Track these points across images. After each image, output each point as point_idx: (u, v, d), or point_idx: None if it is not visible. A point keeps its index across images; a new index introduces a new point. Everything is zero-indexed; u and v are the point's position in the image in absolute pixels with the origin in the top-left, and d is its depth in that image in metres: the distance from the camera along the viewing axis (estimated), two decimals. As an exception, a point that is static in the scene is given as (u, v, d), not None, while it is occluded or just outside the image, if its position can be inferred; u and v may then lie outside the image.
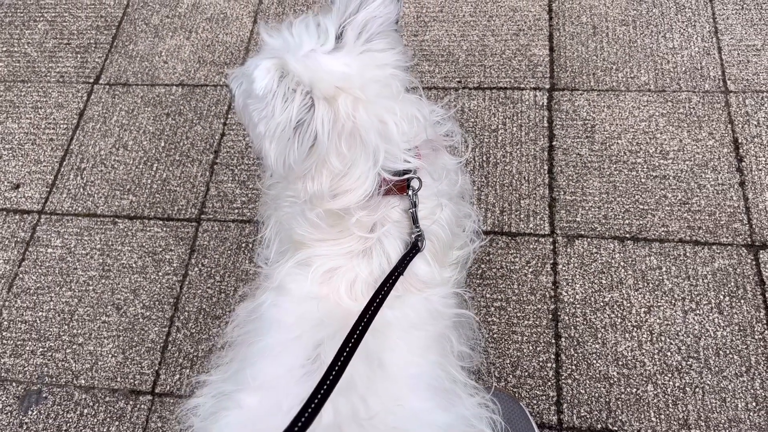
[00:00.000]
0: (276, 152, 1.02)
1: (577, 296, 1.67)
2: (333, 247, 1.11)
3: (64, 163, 2.07)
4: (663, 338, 1.59)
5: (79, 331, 1.77)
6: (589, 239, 1.74)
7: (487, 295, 1.70)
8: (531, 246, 1.75)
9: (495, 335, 1.64)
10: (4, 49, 2.35)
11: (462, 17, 2.19)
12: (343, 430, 0.92)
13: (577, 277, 1.70)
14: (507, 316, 1.66)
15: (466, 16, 2.19)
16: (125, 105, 2.16)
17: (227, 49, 2.23)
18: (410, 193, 1.10)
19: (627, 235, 1.74)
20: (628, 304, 1.64)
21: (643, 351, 1.58)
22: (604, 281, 1.68)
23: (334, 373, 0.87)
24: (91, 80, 2.23)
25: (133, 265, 1.86)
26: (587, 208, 1.79)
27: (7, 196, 2.03)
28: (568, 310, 1.65)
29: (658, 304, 1.64)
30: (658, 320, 1.61)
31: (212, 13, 2.34)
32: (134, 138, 2.09)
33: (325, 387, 0.85)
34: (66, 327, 1.78)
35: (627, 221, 1.76)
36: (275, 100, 0.96)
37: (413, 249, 1.09)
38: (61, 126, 2.15)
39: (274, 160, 1.03)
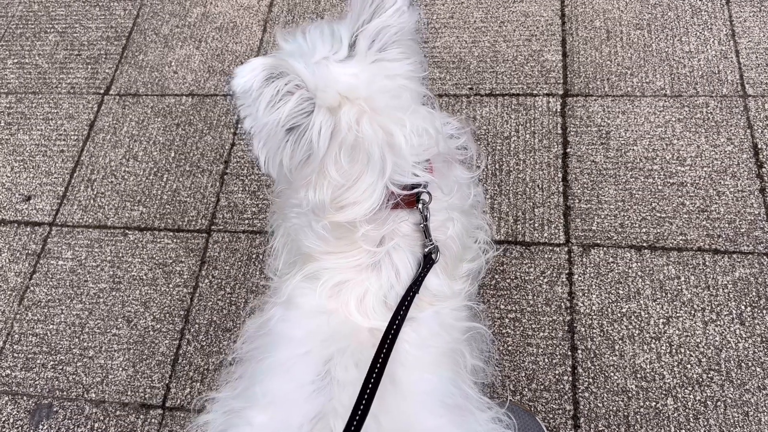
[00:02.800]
0: (266, 153, 1.00)
1: (594, 307, 1.63)
2: (341, 260, 1.08)
3: (75, 174, 2.06)
4: (682, 350, 1.55)
5: (89, 344, 1.76)
6: (605, 248, 1.71)
7: (501, 306, 1.66)
8: (546, 255, 1.72)
9: (510, 347, 1.61)
10: (16, 60, 2.36)
11: (473, 23, 2.16)
12: None
13: (594, 287, 1.66)
14: (522, 328, 1.63)
15: (477, 22, 2.16)
16: (135, 115, 2.16)
17: (237, 58, 2.22)
18: (420, 206, 1.07)
19: (644, 244, 1.70)
20: (646, 315, 1.60)
21: (662, 363, 1.54)
22: (621, 291, 1.64)
23: (365, 400, 0.88)
24: (102, 91, 2.23)
25: (144, 277, 1.84)
26: (603, 216, 1.75)
27: (19, 208, 2.03)
28: (584, 321, 1.62)
29: (677, 314, 1.60)
30: (677, 331, 1.57)
31: (222, 22, 2.33)
32: (144, 149, 2.08)
33: (359, 413, 0.87)
34: (77, 340, 1.77)
35: (644, 229, 1.72)
36: (259, 100, 0.94)
37: (428, 263, 1.07)
38: (72, 137, 2.14)
39: (264, 160, 1.01)
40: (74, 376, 1.72)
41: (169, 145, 2.08)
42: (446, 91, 2.03)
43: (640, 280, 1.65)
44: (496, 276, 1.71)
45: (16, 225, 2.00)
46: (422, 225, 1.08)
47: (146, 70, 2.26)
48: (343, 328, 1.04)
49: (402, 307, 1.00)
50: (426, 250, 1.07)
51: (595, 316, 1.62)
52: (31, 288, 1.87)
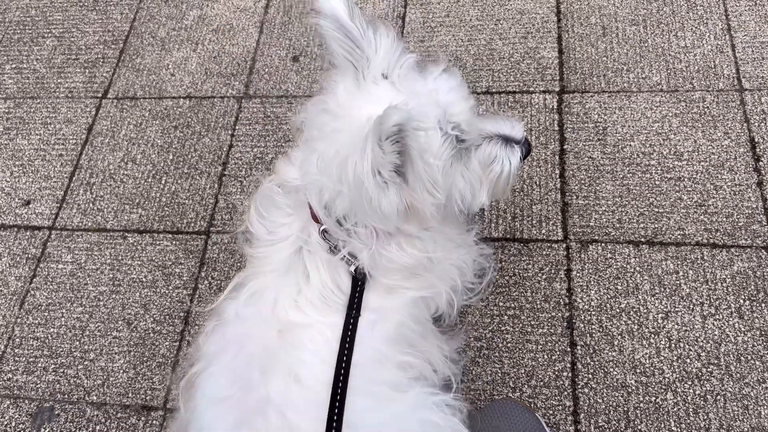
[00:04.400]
0: None
1: (593, 303, 1.64)
2: (260, 268, 1.23)
3: (74, 178, 2.07)
4: (682, 345, 1.55)
5: (90, 347, 1.77)
6: (603, 244, 1.71)
7: (500, 304, 1.67)
8: (544, 252, 1.72)
9: (509, 344, 1.61)
10: (14, 66, 2.37)
11: (469, 21, 2.16)
12: None
13: (592, 283, 1.66)
14: (521, 325, 1.63)
15: (473, 20, 2.17)
16: (133, 119, 2.16)
17: (233, 60, 2.23)
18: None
19: (642, 239, 1.70)
20: (645, 310, 1.61)
21: (662, 358, 1.54)
22: (619, 287, 1.65)
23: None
24: (100, 95, 2.24)
25: (143, 279, 1.85)
26: (601, 212, 1.76)
27: (18, 213, 2.03)
28: (583, 317, 1.62)
29: (676, 309, 1.60)
30: (676, 326, 1.58)
31: (218, 24, 2.33)
32: (143, 151, 2.09)
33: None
34: (77, 343, 1.78)
35: (642, 225, 1.72)
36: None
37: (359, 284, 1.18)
38: (71, 141, 2.15)
39: None
40: (75, 379, 1.73)
41: (167, 147, 2.08)
42: (443, 90, 2.03)
43: (639, 275, 1.65)
44: (495, 273, 1.71)
45: (15, 229, 2.00)
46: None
47: (143, 73, 2.27)
48: (259, 333, 1.15)
49: (347, 333, 1.11)
50: (352, 268, 1.18)
51: (594, 312, 1.62)
52: (32, 292, 1.88)
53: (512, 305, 1.66)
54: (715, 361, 1.53)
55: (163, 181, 2.02)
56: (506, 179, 1.23)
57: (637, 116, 1.89)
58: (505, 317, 1.65)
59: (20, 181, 2.10)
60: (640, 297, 1.62)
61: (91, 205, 2.01)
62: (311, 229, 1.20)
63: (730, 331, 1.55)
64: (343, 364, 1.08)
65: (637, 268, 1.66)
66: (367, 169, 0.97)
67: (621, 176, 1.80)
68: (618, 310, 1.62)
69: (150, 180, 2.03)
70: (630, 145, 1.85)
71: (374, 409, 1.10)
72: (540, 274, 1.69)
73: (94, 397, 1.69)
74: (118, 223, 1.96)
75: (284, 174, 1.30)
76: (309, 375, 1.09)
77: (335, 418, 1.02)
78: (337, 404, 1.03)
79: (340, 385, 1.06)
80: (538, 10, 2.15)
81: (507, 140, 1.22)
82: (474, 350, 1.62)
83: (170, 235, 1.91)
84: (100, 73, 2.29)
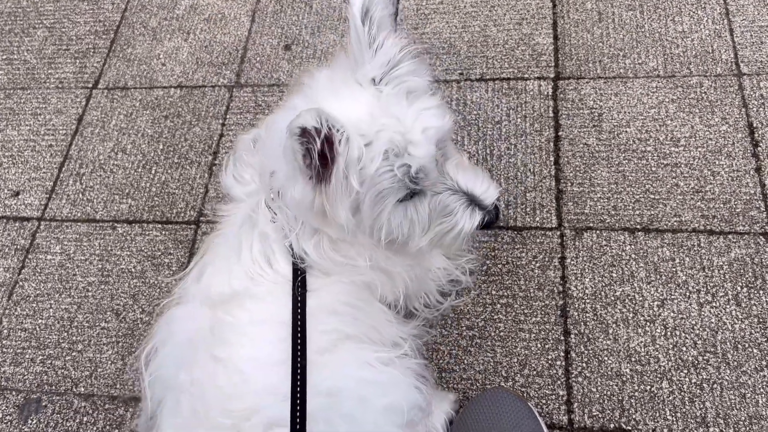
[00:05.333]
0: None
1: (587, 291, 1.60)
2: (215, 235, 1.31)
3: (63, 168, 2.05)
4: (678, 333, 1.52)
5: (78, 338, 1.74)
6: (598, 231, 1.68)
7: (493, 292, 1.64)
8: (538, 240, 1.69)
9: (501, 333, 1.58)
10: (4, 57, 2.35)
11: (463, 8, 2.13)
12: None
13: (587, 271, 1.63)
14: (514, 313, 1.60)
15: (467, 6, 2.13)
16: (124, 109, 2.14)
17: (225, 49, 2.20)
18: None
19: (638, 226, 1.67)
20: (641, 298, 1.57)
21: (657, 346, 1.51)
22: (614, 275, 1.61)
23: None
24: (90, 85, 2.21)
25: (132, 270, 1.83)
26: (596, 199, 1.72)
27: (8, 204, 2.01)
28: (577, 305, 1.59)
29: (672, 297, 1.56)
30: (672, 314, 1.54)
31: (210, 13, 2.31)
32: (133, 141, 2.06)
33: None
34: (65, 334, 1.76)
35: (638, 212, 1.69)
36: None
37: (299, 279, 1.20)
38: (60, 132, 2.13)
39: None
40: (63, 371, 1.70)
41: (157, 137, 2.06)
42: (436, 77, 2.00)
43: (634, 262, 1.62)
44: (488, 261, 1.68)
45: (4, 221, 1.98)
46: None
47: (134, 63, 2.24)
48: (199, 314, 1.19)
49: (297, 341, 1.13)
50: (287, 243, 1.19)
51: (588, 300, 1.59)
52: (20, 283, 1.86)
53: (505, 294, 1.63)
54: (712, 350, 1.49)
55: (153, 171, 1.99)
56: (454, 238, 1.18)
57: (633, 102, 1.85)
58: (498, 306, 1.62)
59: (9, 172, 2.08)
60: (635, 285, 1.59)
61: (80, 195, 1.99)
62: (263, 195, 1.21)
63: (727, 319, 1.52)
64: (298, 341, 1.13)
65: (633, 256, 1.63)
66: (286, 152, 0.98)
67: (617, 163, 1.77)
68: (613, 298, 1.59)
69: (140, 170, 2.00)
70: (626, 131, 1.81)
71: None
72: (533, 262, 1.66)
73: (82, 389, 1.67)
74: (108, 213, 1.94)
75: (263, 128, 1.30)
76: (233, 355, 1.12)
77: (298, 408, 1.05)
78: (298, 394, 1.07)
79: (299, 370, 1.09)
80: (533, -4, 2.11)
81: (473, 201, 1.16)
82: (466, 339, 1.59)
83: (160, 225, 1.89)
84: (90, 64, 2.27)
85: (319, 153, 0.96)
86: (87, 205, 1.96)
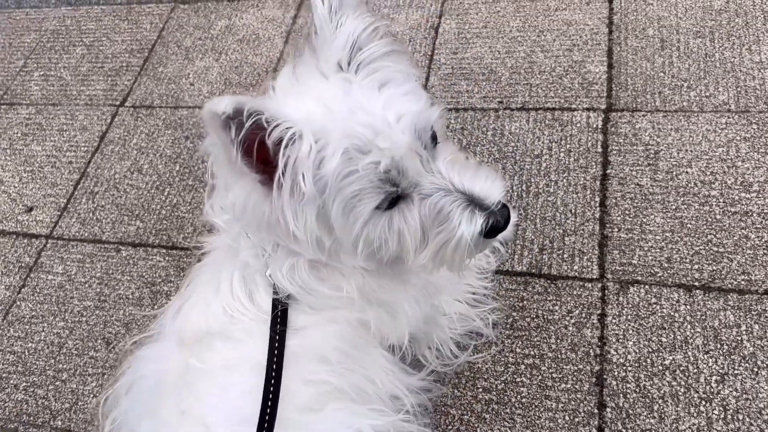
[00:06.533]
0: None
1: (630, 357, 1.35)
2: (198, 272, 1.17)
3: (79, 186, 1.97)
4: (740, 416, 1.24)
5: (64, 366, 1.62)
6: (647, 286, 1.42)
7: (518, 350, 1.40)
8: (575, 292, 1.46)
9: (524, 400, 1.34)
10: (42, 73, 2.33)
11: (508, 32, 1.95)
12: None
13: (630, 332, 1.38)
14: (540, 377, 1.36)
15: (513, 31, 1.95)
16: (146, 127, 2.06)
17: (254, 70, 2.10)
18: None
19: (696, 283, 1.41)
20: (695, 370, 1.30)
21: (714, 431, 1.24)
22: (664, 339, 1.35)
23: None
24: (117, 103, 2.15)
25: (130, 296, 1.70)
26: (646, 248, 1.48)
27: (20, 220, 1.95)
28: (616, 373, 1.33)
29: (735, 372, 1.29)
30: (734, 393, 1.27)
31: (244, 34, 2.22)
32: (150, 161, 1.97)
33: None
34: (53, 361, 1.64)
35: (696, 266, 1.43)
36: None
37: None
38: (82, 148, 2.07)
39: None
40: (44, 401, 1.58)
41: (175, 158, 1.96)
42: (473, 105, 1.82)
43: (690, 326, 1.36)
44: (514, 313, 1.45)
45: (14, 236, 1.91)
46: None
47: (164, 82, 2.17)
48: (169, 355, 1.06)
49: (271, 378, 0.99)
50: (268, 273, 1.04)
51: (630, 368, 1.33)
52: (18, 303, 1.77)
53: (532, 353, 1.40)
54: (785, 442, 1.21)
55: (165, 193, 1.89)
56: (453, 250, 0.95)
57: (697, 139, 1.61)
58: (522, 366, 1.38)
59: (27, 187, 2.02)
60: (689, 353, 1.33)
61: (91, 214, 1.90)
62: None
63: (805, 405, 1.23)
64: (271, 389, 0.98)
65: (688, 318, 1.37)
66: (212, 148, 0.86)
67: (674, 207, 1.52)
68: (661, 368, 1.32)
69: (153, 191, 1.90)
70: (686, 171, 1.56)
71: None
72: (568, 318, 1.43)
73: (59, 422, 1.54)
74: (115, 234, 1.83)
75: None
76: (199, 406, 0.99)
77: None
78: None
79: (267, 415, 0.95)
80: (587, 21, 1.91)
81: (472, 201, 0.93)
82: (481, 403, 1.36)
83: (164, 251, 1.77)
84: (121, 81, 2.21)
85: (246, 147, 0.81)
86: (96, 225, 1.87)
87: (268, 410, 0.95)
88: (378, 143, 0.86)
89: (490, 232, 0.93)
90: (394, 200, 0.92)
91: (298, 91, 0.92)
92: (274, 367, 1.03)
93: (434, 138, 0.96)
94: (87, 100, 2.20)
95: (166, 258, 1.75)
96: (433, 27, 2.03)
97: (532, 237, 1.55)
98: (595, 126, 1.70)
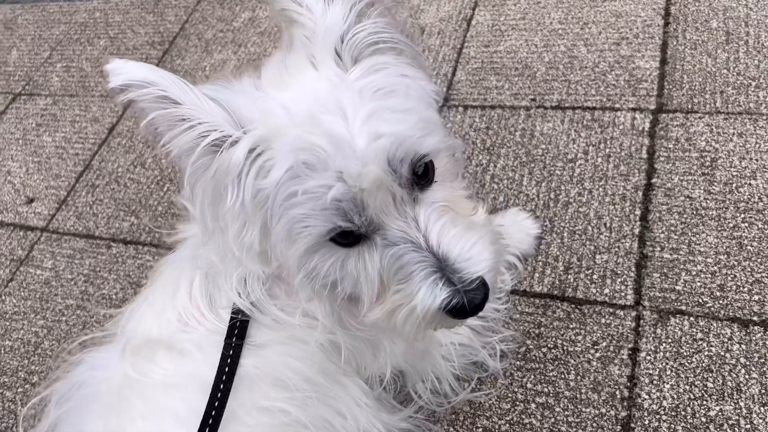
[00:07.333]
0: None
1: (665, 403, 1.10)
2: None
3: (81, 179, 1.88)
4: (806, 491, 0.97)
5: (36, 368, 1.50)
6: (692, 318, 1.17)
7: (529, 385, 1.18)
8: (603, 320, 1.22)
9: (531, 446, 1.11)
10: (64, 64, 2.27)
11: (549, 25, 1.74)
12: None
13: (668, 373, 1.13)
14: (553, 420, 1.13)
15: (554, 23, 1.74)
16: (156, 120, 1.95)
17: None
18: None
19: (755, 318, 1.14)
20: (748, 426, 1.04)
21: (770, 508, 0.97)
22: (710, 385, 1.10)
23: None
24: (131, 95, 2.06)
25: (114, 296, 1.57)
26: (694, 273, 1.22)
27: (19, 211, 1.87)
28: (647, 422, 1.09)
29: (802, 432, 1.02)
30: (799, 459, 1.00)
31: (266, 26, 2.10)
32: (154, 156, 1.85)
33: None
34: (26, 362, 1.52)
35: (756, 297, 1.17)
36: None
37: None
38: (90, 140, 1.97)
39: None
40: (11, 404, 1.46)
41: (180, 152, 1.83)
42: (502, 102, 1.61)
43: (744, 370, 1.10)
44: (528, 341, 1.23)
45: (11, 228, 1.83)
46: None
47: (179, 74, 2.05)
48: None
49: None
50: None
51: (665, 417, 1.08)
52: (2, 297, 1.67)
53: (545, 389, 1.17)
54: None
55: (164, 189, 1.76)
56: (404, 318, 0.76)
57: (764, 146, 1.34)
58: (533, 405, 1.15)
59: (32, 178, 1.94)
60: (741, 404, 1.07)
61: (88, 208, 1.79)
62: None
63: None
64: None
65: (743, 361, 1.11)
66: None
67: (731, 225, 1.26)
68: (704, 420, 1.07)
69: (152, 186, 1.78)
70: (749, 184, 1.30)
71: None
72: (593, 351, 1.19)
73: (22, 430, 1.41)
74: (108, 230, 1.72)
75: None
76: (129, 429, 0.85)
77: None
78: None
79: None
80: (640, 12, 1.67)
81: (443, 269, 0.73)
82: (480, 446, 1.14)
83: (154, 249, 1.63)
84: (138, 74, 2.12)
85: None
86: (91, 220, 1.76)
87: None
88: (334, 163, 0.68)
89: (454, 312, 0.73)
90: (357, 237, 0.74)
91: (282, 82, 0.78)
92: (221, 387, 0.86)
93: (426, 174, 0.76)
94: (102, 91, 2.12)
95: (156, 257, 1.61)
96: (466, 18, 1.84)
97: (557, 253, 1.32)
98: (641, 128, 1.46)
